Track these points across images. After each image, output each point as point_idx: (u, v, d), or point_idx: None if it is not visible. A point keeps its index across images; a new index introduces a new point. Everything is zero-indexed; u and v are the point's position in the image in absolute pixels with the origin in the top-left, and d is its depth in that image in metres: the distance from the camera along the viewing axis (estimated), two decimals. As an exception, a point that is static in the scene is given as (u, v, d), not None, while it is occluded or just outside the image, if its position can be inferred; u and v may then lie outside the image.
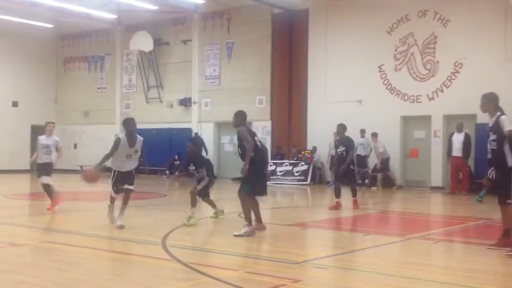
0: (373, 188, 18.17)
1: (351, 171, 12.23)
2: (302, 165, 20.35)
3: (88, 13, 23.73)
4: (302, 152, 20.77)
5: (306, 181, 20.06)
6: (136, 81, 25.91)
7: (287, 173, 20.49)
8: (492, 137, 7.00)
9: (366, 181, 18.62)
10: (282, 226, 9.77)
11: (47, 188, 11.45)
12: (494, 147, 6.98)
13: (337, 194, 12.05)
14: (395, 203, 15.30)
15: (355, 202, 12.20)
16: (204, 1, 22.04)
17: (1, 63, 26.35)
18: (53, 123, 12.16)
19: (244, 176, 8.27)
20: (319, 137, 20.42)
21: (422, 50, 18.69)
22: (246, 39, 22.52)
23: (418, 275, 5.81)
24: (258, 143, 8.35)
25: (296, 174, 20.37)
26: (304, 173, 20.25)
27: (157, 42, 24.51)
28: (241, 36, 22.64)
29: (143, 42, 24.28)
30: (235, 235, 7.98)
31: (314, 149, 20.52)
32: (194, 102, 24.01)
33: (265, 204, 15.02)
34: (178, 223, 9.47)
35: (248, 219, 8.22)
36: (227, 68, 23.17)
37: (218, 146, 23.83)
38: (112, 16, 24.58)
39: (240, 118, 8.49)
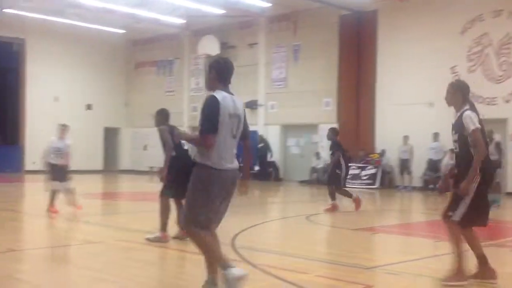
0: (447, 193, 17.63)
1: (335, 174, 12.11)
2: (370, 168, 20.04)
3: (158, 18, 24.34)
4: (370, 156, 20.45)
5: (375, 185, 19.72)
6: (203, 84, 26.33)
7: (354, 177, 20.20)
8: (454, 137, 5.58)
9: (438, 186, 18.15)
10: (351, 230, 9.63)
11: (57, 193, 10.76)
12: (456, 150, 5.62)
13: (333, 197, 12.25)
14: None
15: (332, 206, 12.18)
16: (270, 5, 22.12)
17: (76, 68, 27.45)
18: (65, 125, 11.10)
19: (162, 180, 7.77)
20: (389, 140, 20.04)
21: (498, 50, 17.98)
22: (313, 42, 22.42)
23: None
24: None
25: (363, 178, 20.06)
26: (372, 176, 19.92)
27: (224, 46, 24.81)
28: (308, 39, 22.56)
29: (210, 46, 24.64)
30: (147, 239, 7.56)
31: (383, 152, 20.15)
32: (260, 105, 24.13)
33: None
34: (245, 224, 9.53)
35: (163, 225, 7.63)
36: (294, 70, 23.15)
37: (284, 148, 23.83)
38: (180, 21, 25.10)
39: (161, 116, 7.99)
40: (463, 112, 5.53)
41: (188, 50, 26.94)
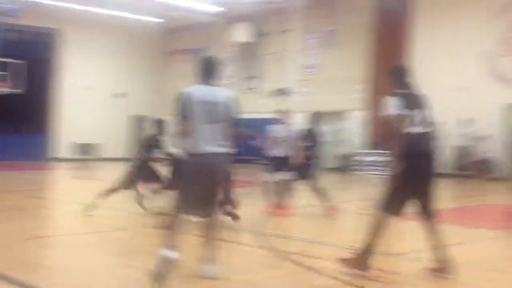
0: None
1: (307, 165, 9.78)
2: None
3: (193, 6, 24.40)
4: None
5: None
6: (236, 72, 26.32)
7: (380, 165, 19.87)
8: None
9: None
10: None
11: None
12: None
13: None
14: (497, 195, 14.48)
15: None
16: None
17: (112, 57, 27.77)
18: (282, 111, 10.01)
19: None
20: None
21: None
22: (346, 27, 22.12)
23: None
24: None
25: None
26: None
27: (258, 33, 24.72)
28: (342, 24, 22.27)
29: (242, 34, 24.61)
30: None
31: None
32: (293, 92, 23.99)
33: (357, 195, 14.67)
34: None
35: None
36: (327, 57, 22.91)
37: (317, 136, 23.68)
38: (216, 9, 25.07)
39: None
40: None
41: (223, 38, 26.91)
